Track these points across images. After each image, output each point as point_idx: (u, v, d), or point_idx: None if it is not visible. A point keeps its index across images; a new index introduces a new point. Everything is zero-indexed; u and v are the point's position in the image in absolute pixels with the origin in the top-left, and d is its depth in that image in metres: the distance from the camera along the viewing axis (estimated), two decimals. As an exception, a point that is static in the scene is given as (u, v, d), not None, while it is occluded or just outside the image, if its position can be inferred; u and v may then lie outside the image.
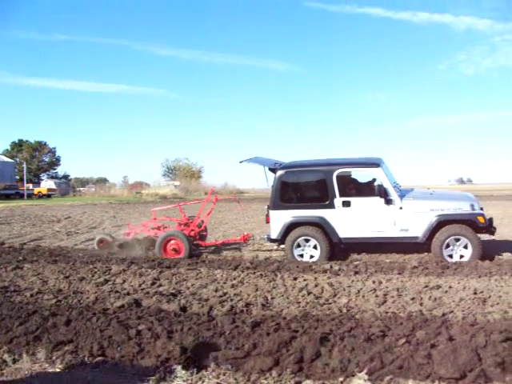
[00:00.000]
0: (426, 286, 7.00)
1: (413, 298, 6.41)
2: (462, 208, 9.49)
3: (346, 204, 9.80)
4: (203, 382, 4.12)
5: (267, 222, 10.59)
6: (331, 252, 9.87)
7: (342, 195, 9.85)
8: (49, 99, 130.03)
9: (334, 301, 6.44)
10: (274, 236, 10.23)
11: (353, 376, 4.05)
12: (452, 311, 5.81)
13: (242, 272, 8.27)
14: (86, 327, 5.12)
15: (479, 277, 7.62)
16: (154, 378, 4.15)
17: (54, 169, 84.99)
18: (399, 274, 7.95)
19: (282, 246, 10.49)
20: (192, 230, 11.62)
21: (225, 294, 6.85)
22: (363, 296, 6.61)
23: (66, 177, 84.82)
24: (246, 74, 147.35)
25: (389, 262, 9.15)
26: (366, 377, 4.00)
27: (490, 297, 6.40)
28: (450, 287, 6.94)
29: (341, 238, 9.87)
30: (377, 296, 6.56)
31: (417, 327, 5.04)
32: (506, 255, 10.06)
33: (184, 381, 4.13)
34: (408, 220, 9.60)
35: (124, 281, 7.78)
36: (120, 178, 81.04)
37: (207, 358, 4.43)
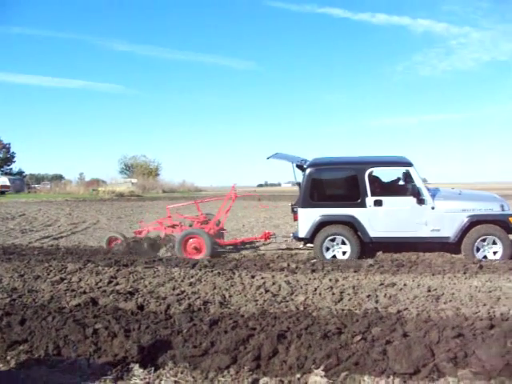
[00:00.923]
0: (382, 284, 7.12)
1: (368, 296, 6.51)
2: (493, 209, 9.58)
3: (378, 203, 9.75)
4: (161, 380, 4.10)
5: (295, 220, 10.43)
6: (361, 251, 9.81)
7: (373, 194, 9.80)
8: (3, 93, 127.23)
9: (291, 299, 6.49)
10: (302, 234, 10.05)
11: (310, 373, 4.10)
12: (406, 308, 5.93)
13: (200, 270, 8.25)
14: (41, 326, 5.04)
15: (433, 275, 7.79)
16: (111, 377, 4.12)
17: (9, 165, 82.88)
18: (355, 272, 8.06)
19: (309, 244, 10.35)
20: (211, 229, 11.24)
21: (182, 292, 6.83)
22: (320, 294, 6.68)
23: (20, 173, 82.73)
24: (207, 71, 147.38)
25: (345, 261, 9.27)
26: (323, 373, 4.05)
27: (443, 294, 6.55)
28: (405, 285, 7.08)
29: (371, 238, 9.80)
30: (333, 294, 6.64)
31: (372, 324, 5.13)
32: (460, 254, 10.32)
33: (141, 379, 4.10)
34: (440, 220, 9.61)
35: (80, 279, 7.66)
36: (76, 175, 79.42)
37: (165, 356, 4.42)
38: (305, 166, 10.24)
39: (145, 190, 61.88)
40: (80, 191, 56.65)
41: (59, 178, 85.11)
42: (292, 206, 11.05)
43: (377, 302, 6.27)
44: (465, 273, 7.87)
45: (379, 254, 10.01)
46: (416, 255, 10.16)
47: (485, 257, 9.43)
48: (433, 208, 9.60)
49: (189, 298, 6.46)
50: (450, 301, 6.25)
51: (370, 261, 8.98)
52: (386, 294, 6.56)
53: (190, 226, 11.74)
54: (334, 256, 9.81)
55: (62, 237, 14.76)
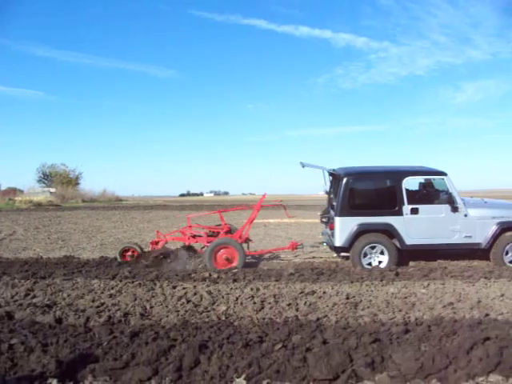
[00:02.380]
0: (302, 292, 7.22)
1: (289, 304, 6.58)
2: None
3: (414, 211, 9.90)
4: (78, 395, 3.99)
5: (331, 229, 10.25)
6: (398, 259, 9.89)
7: (409, 202, 9.93)
8: None
9: (212, 308, 6.47)
10: (339, 243, 9.94)
11: (231, 382, 4.09)
12: (326, 315, 6.04)
13: (120, 281, 8.08)
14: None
15: (351, 282, 7.98)
16: (27, 393, 3.96)
17: None
18: (276, 280, 8.14)
19: (343, 253, 10.33)
20: (240, 238, 10.71)
21: (102, 304, 6.66)
22: (241, 303, 6.69)
23: None
24: (130, 78, 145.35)
25: (266, 270, 9.34)
26: (245, 382, 4.06)
27: (361, 301, 6.72)
28: (324, 293, 7.21)
29: (408, 245, 9.91)
30: (255, 303, 6.67)
31: (293, 332, 5.19)
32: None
33: (58, 395, 3.97)
34: (472, 227, 9.92)
35: (-7, 293, 7.34)
36: (-9, 184, 76.09)
37: (84, 370, 4.29)
38: (341, 175, 10.18)
39: (64, 200, 60.01)
40: (-5, 201, 54.35)
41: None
42: (321, 215, 11.19)
43: (297, 310, 6.34)
44: (382, 280, 8.12)
45: (301, 262, 10.14)
46: (335, 263, 10.40)
47: (511, 261, 10.02)
48: (465, 215, 9.95)
49: (109, 310, 6.31)
50: (368, 307, 6.42)
51: (291, 269, 9.09)
52: (306, 302, 6.65)
53: (211, 235, 11.18)
54: (370, 264, 9.88)
55: (-27, 249, 14.07)
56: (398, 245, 9.90)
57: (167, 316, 6.11)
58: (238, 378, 4.14)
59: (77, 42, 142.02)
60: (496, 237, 9.95)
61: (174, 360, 4.41)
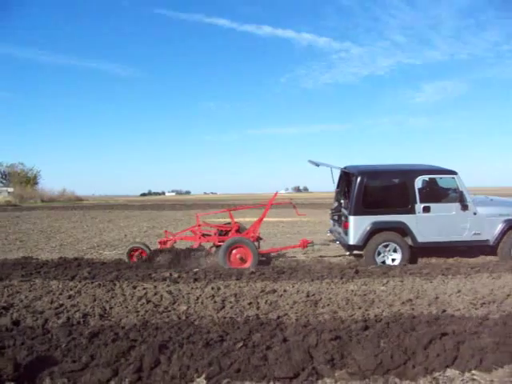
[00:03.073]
0: (263, 291, 7.23)
1: (250, 303, 6.58)
2: None
3: (426, 209, 10.07)
4: (35, 398, 3.92)
5: (345, 227, 10.28)
6: (411, 256, 10.07)
7: (422, 201, 10.08)
8: None
9: (173, 308, 6.43)
10: (353, 242, 10.01)
11: (192, 382, 4.08)
12: (286, 314, 6.06)
13: (80, 282, 7.95)
14: None
15: (312, 280, 8.02)
16: (-19, 397, 3.87)
17: None
18: (237, 279, 8.13)
19: (356, 252, 10.42)
20: (252, 237, 10.53)
21: (61, 305, 6.54)
22: (202, 302, 6.67)
23: None
24: (90, 76, 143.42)
25: (228, 269, 9.32)
26: (205, 382, 4.05)
27: (321, 299, 6.77)
28: (285, 291, 7.23)
29: (419, 243, 10.07)
30: (215, 302, 6.65)
31: (253, 331, 5.20)
32: (336, 259, 10.75)
33: (15, 399, 3.90)
34: (481, 224, 10.19)
35: None
36: None
37: (42, 372, 4.22)
38: (356, 174, 10.23)
39: (22, 200, 58.90)
40: (-51, 202, 53.02)
41: None
42: (332, 213, 11.48)
43: (258, 308, 6.35)
44: (342, 278, 8.19)
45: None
46: (296, 262, 10.45)
47: None
48: (475, 213, 10.21)
49: (68, 312, 6.21)
50: (328, 305, 6.47)
51: (252, 268, 9.09)
52: (266, 301, 6.66)
53: (220, 234, 10.98)
54: (384, 262, 10.04)
55: None
56: (411, 242, 10.10)
57: (127, 316, 6.04)
58: (198, 377, 4.12)
59: (36, 38, 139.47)
60: (504, 233, 10.28)
61: (133, 361, 4.37)
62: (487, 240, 10.30)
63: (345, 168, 11.06)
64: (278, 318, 5.89)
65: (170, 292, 7.22)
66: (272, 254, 11.15)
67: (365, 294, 6.97)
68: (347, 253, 10.63)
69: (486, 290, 7.12)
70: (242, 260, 9.93)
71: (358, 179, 10.04)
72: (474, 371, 4.33)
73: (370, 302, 6.60)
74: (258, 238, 10.76)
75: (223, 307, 6.42)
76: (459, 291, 7.09)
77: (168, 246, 10.69)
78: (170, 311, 6.29)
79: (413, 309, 6.23)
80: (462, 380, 4.19)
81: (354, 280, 8.02)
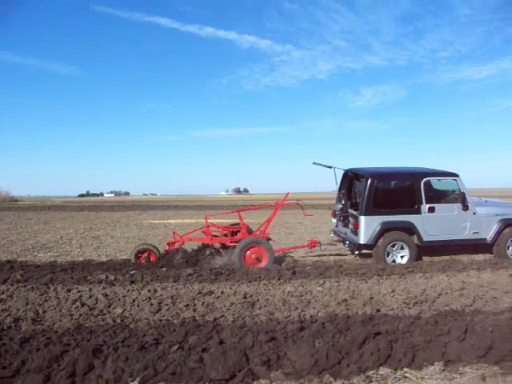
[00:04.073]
0: (200, 293, 7.19)
1: (187, 305, 6.54)
2: None
3: (431, 210, 10.56)
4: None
5: (355, 227, 10.60)
6: (418, 255, 10.65)
7: (427, 201, 10.56)
8: None
9: (108, 311, 6.31)
10: (364, 241, 10.38)
11: (125, 386, 4.02)
12: (223, 315, 6.06)
13: (12, 285, 7.69)
14: None
15: (249, 282, 8.04)
16: None
17: None
18: (174, 281, 8.06)
19: (364, 251, 10.69)
20: (264, 237, 10.53)
21: (-10, 310, 6.34)
22: (138, 305, 6.58)
23: None
24: (28, 73, 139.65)
25: (165, 271, 9.23)
26: (139, 385, 4.00)
27: (258, 300, 6.79)
28: (222, 293, 7.22)
29: (425, 242, 10.56)
30: (152, 304, 6.57)
31: (189, 333, 5.18)
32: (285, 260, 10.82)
33: None
34: (479, 224, 10.85)
35: None
36: None
37: (-34, 380, 4.07)
38: (366, 176, 10.61)
39: None
40: None
41: None
42: (339, 213, 11.69)
43: (194, 310, 6.32)
44: (279, 279, 8.24)
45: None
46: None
47: None
48: (474, 213, 10.83)
49: (-3, 316, 6.02)
50: (265, 306, 6.50)
51: (189, 270, 9.04)
52: (203, 303, 6.64)
53: (226, 235, 10.90)
54: (394, 261, 10.47)
55: None
56: (417, 241, 10.59)
57: (60, 320, 5.89)
58: (132, 381, 4.07)
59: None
60: (499, 232, 10.95)
61: (66, 366, 4.28)
62: (485, 238, 11.00)
63: (352, 170, 11.60)
64: (215, 319, 5.88)
65: (105, 295, 7.08)
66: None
67: (301, 295, 7.04)
68: (356, 252, 10.93)
69: (418, 290, 7.33)
70: (258, 260, 10.04)
71: (369, 181, 10.46)
72: (406, 369, 4.46)
73: (306, 302, 6.67)
74: (268, 239, 10.79)
75: (159, 310, 6.36)
76: (393, 291, 7.26)
77: (176, 247, 10.59)
78: (105, 314, 6.18)
79: (348, 309, 6.34)
80: (395, 378, 4.30)
81: (291, 281, 8.08)
